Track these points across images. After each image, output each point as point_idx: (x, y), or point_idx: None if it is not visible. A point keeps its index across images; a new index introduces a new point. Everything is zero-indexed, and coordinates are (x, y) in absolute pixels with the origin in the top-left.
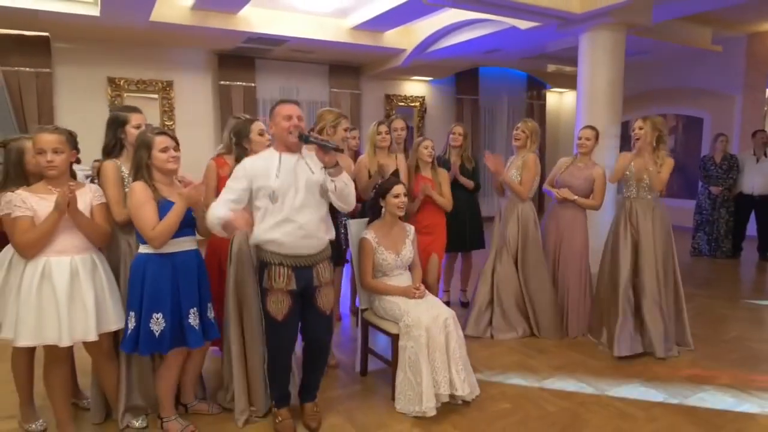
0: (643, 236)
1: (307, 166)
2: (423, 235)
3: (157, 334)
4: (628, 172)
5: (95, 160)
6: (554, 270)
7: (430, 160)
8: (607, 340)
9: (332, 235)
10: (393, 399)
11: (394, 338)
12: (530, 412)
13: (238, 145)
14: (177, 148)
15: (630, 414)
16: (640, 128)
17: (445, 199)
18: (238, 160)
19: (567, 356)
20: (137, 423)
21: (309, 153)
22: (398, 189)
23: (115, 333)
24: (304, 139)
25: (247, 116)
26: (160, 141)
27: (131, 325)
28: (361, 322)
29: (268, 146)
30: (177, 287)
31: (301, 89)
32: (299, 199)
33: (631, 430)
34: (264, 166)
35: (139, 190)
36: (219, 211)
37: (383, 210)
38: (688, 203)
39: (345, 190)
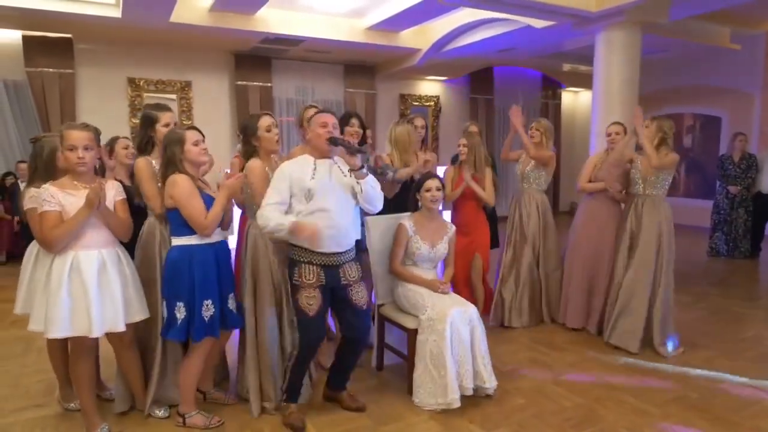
0: (644, 233)
1: (340, 170)
2: (461, 235)
3: (207, 319)
4: (634, 170)
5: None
6: (590, 262)
7: (463, 158)
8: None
9: (359, 235)
10: (410, 393)
11: (411, 333)
12: (546, 407)
13: (247, 143)
14: (205, 142)
15: (645, 410)
16: (646, 127)
17: (487, 193)
18: (246, 157)
19: (581, 353)
20: (160, 413)
21: (340, 158)
22: (430, 183)
23: (135, 325)
24: (332, 141)
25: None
26: (192, 135)
27: (180, 315)
28: (377, 317)
29: (278, 141)
30: (219, 274)
31: (317, 89)
32: (331, 200)
33: (647, 425)
34: (300, 169)
35: (183, 181)
36: (278, 216)
37: (419, 203)
38: (705, 203)
39: (371, 192)
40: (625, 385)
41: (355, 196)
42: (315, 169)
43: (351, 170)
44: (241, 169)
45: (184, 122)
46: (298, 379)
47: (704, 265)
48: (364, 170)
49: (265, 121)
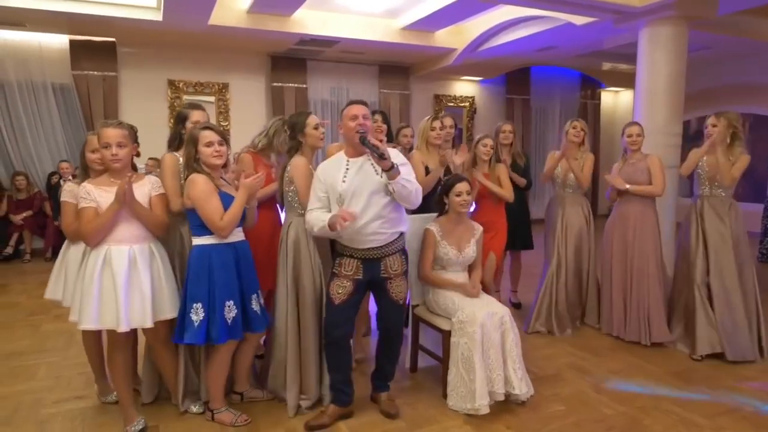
0: (716, 236)
1: (373, 167)
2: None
3: (230, 321)
4: (699, 170)
5: (149, 158)
6: (630, 271)
7: (486, 158)
8: (686, 340)
9: (405, 227)
10: (444, 396)
11: (446, 335)
12: (586, 415)
13: (293, 138)
14: (222, 143)
15: (693, 421)
16: (714, 125)
17: (504, 189)
18: (290, 153)
19: (624, 359)
20: (195, 408)
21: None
22: (461, 187)
23: (173, 320)
24: (362, 141)
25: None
26: (204, 136)
27: (197, 317)
28: (411, 318)
29: (322, 139)
30: (240, 274)
31: (351, 90)
32: (362, 202)
33: None
34: (333, 172)
35: (202, 182)
36: (320, 216)
37: (446, 206)
38: (756, 207)
39: (403, 191)
40: (672, 394)
41: (389, 192)
42: (347, 169)
43: (382, 171)
44: (256, 168)
45: (221, 123)
46: (333, 376)
47: (756, 271)
48: (395, 170)
49: (313, 119)
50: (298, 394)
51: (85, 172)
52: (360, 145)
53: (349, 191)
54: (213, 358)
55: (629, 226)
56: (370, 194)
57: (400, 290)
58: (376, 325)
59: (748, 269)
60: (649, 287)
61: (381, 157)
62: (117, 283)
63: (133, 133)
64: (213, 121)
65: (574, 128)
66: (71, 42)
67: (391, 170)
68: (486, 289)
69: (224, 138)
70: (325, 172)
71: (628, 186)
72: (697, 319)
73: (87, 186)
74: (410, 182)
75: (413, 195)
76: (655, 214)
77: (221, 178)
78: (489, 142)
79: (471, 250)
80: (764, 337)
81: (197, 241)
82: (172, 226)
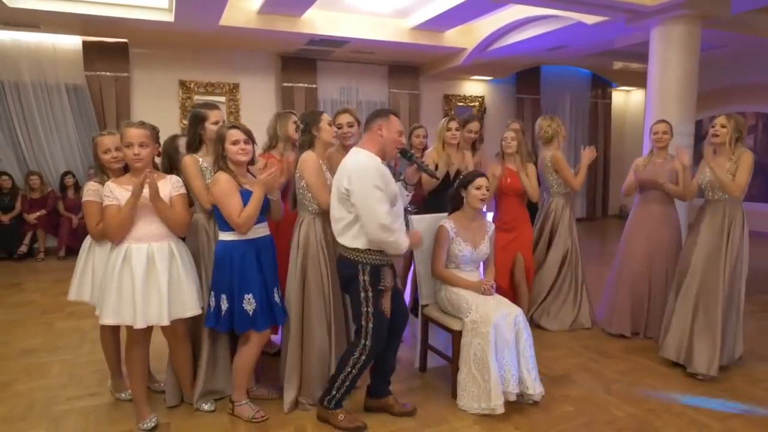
0: (715, 240)
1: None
2: (504, 231)
3: (250, 313)
4: (701, 177)
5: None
6: (642, 267)
7: (511, 152)
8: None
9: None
10: (453, 396)
11: (456, 335)
12: (596, 417)
13: (306, 132)
14: (248, 141)
15: (705, 424)
16: (723, 126)
17: (532, 188)
18: (302, 147)
19: (634, 361)
20: (206, 406)
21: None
22: (481, 181)
23: (192, 318)
24: (407, 156)
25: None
26: (231, 134)
27: (224, 306)
28: (421, 318)
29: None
30: (262, 269)
31: (361, 90)
32: (399, 205)
33: None
34: (387, 171)
35: (224, 180)
36: (402, 241)
37: (464, 201)
38: (767, 207)
39: (406, 201)
40: (682, 396)
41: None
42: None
43: (405, 183)
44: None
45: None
46: (355, 384)
47: (767, 273)
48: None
49: (327, 117)
50: (296, 391)
51: (102, 172)
52: (394, 158)
53: (396, 192)
54: (242, 349)
55: (650, 227)
56: (398, 198)
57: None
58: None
59: (738, 277)
60: (654, 285)
61: (422, 171)
62: (135, 280)
63: (155, 134)
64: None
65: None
66: (84, 43)
67: (415, 184)
68: (516, 289)
69: (250, 136)
70: (384, 170)
71: (663, 183)
72: (673, 322)
73: (110, 185)
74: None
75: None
76: (677, 215)
77: (249, 173)
78: (509, 135)
79: (485, 247)
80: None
81: (222, 236)
82: (198, 224)
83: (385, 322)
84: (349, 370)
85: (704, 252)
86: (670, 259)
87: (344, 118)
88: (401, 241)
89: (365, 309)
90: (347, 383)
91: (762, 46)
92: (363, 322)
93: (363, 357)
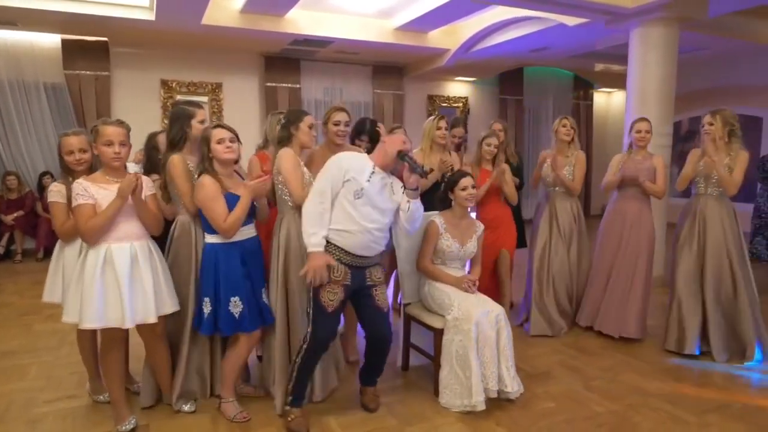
0: (711, 236)
1: (392, 188)
2: (488, 230)
3: (237, 315)
4: (700, 166)
5: (139, 150)
6: (613, 263)
7: (489, 158)
8: (677, 340)
9: (388, 246)
10: (436, 393)
11: (437, 333)
12: (576, 413)
13: (285, 128)
14: (234, 140)
15: (682, 418)
16: (710, 124)
17: (510, 189)
18: (280, 142)
19: (613, 357)
20: (186, 407)
21: (397, 180)
22: (466, 182)
23: (170, 317)
24: (401, 156)
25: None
26: (216, 133)
27: (207, 309)
28: (403, 316)
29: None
30: (248, 271)
31: (345, 90)
32: (374, 210)
33: None
34: (359, 166)
35: (208, 184)
36: (317, 229)
37: (452, 202)
38: (745, 206)
39: (416, 213)
40: (661, 391)
41: (396, 213)
42: (373, 173)
43: (405, 188)
44: (263, 167)
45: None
46: (305, 378)
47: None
48: (418, 191)
49: (310, 119)
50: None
51: (67, 173)
52: (393, 163)
53: (370, 193)
54: (231, 351)
55: (626, 223)
56: (382, 209)
57: (384, 297)
58: (366, 335)
59: (745, 268)
60: (633, 283)
61: (418, 173)
62: (120, 280)
63: (129, 133)
64: (206, 121)
65: (563, 126)
66: (63, 41)
67: (416, 189)
68: (501, 285)
69: (235, 135)
70: (351, 161)
71: (643, 180)
72: (688, 323)
73: (83, 182)
74: (422, 207)
75: (421, 218)
76: (651, 213)
77: (236, 173)
78: (493, 141)
79: (472, 245)
80: (751, 338)
81: (207, 239)
82: (184, 226)
83: (327, 316)
84: (294, 359)
85: (714, 250)
86: (640, 253)
87: (342, 117)
88: (309, 233)
89: (310, 294)
90: (295, 374)
91: (740, 49)
92: (308, 309)
93: (305, 346)
